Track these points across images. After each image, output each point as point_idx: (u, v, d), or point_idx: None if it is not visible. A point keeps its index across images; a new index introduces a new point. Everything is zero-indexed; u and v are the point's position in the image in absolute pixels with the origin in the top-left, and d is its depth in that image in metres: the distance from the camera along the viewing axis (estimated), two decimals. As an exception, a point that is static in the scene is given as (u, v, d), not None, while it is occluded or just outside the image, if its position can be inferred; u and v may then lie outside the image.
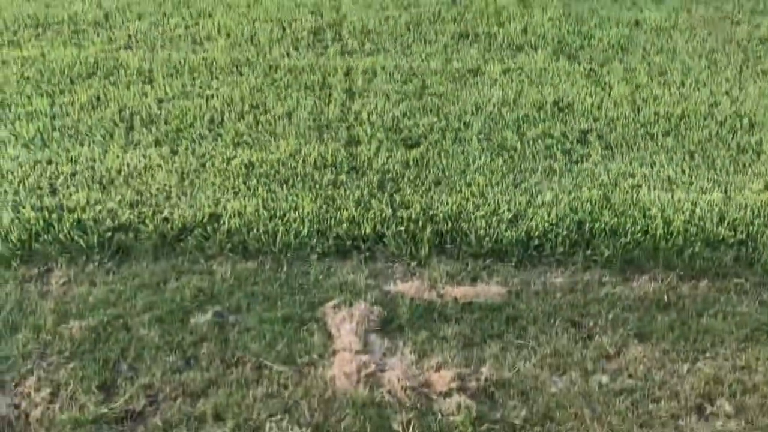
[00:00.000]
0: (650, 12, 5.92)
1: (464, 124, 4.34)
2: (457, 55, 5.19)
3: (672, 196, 3.70)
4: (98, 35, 5.28)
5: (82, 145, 4.00)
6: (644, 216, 3.51)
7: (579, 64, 5.10)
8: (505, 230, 3.36)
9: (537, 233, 3.35)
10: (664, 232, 3.40)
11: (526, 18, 5.78)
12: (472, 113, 4.45)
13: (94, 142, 4.03)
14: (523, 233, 3.35)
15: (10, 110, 4.31)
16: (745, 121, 4.41)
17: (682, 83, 4.87)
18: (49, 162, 3.84)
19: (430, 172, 3.86)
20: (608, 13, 5.90)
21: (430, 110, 4.48)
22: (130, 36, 5.28)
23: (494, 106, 4.53)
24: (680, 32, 5.61)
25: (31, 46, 5.08)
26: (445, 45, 5.34)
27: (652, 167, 3.98)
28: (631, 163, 4.02)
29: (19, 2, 5.75)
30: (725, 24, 5.77)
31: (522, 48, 5.33)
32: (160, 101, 4.45)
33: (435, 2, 6.07)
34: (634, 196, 3.72)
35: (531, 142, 4.17)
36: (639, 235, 3.39)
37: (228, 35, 5.35)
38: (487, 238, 3.31)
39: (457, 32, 5.54)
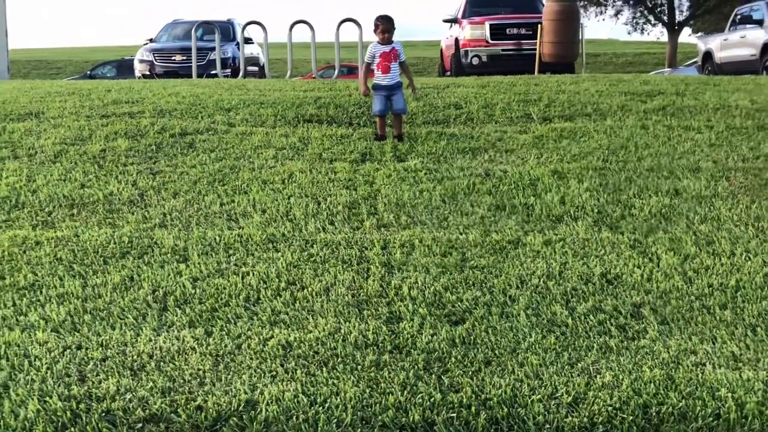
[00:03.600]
0: (688, 181, 5.89)
1: (510, 298, 4.20)
2: (496, 227, 5.14)
3: (740, 375, 3.47)
4: (133, 214, 5.31)
5: (113, 328, 3.89)
6: (713, 398, 3.28)
7: (622, 235, 5.01)
8: (566, 416, 3.13)
9: (601, 419, 3.12)
10: (737, 416, 3.16)
11: (563, 189, 5.76)
12: (517, 287, 4.32)
13: (126, 324, 3.92)
14: (585, 419, 3.12)
15: (41, 293, 4.24)
16: (806, 291, 4.24)
17: (732, 253, 4.74)
18: (79, 347, 3.72)
19: (478, 350, 3.68)
20: (645, 183, 5.88)
21: (473, 284, 4.36)
22: (165, 214, 5.30)
23: (539, 279, 4.41)
24: (722, 200, 5.54)
25: (65, 227, 5.10)
26: (482, 217, 5.30)
27: (713, 343, 3.78)
28: (690, 339, 3.82)
29: (55, 182, 5.84)
30: (767, 190, 5.72)
31: (561, 219, 5.27)
32: (195, 280, 4.38)
33: (468, 174, 6.10)
34: (700, 375, 3.49)
35: (582, 318, 4.01)
36: (711, 419, 3.14)
37: (263, 211, 5.36)
38: (548, 426, 3.08)
39: (494, 204, 5.51)
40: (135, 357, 3.61)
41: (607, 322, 3.96)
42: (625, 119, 7.57)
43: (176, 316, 4.00)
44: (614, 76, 11.00)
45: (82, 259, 4.64)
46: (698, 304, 4.16)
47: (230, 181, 5.95)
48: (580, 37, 15.09)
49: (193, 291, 4.24)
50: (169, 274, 4.43)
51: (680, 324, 3.97)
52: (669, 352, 3.69)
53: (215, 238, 4.89)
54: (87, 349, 3.70)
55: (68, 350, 3.69)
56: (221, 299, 4.16)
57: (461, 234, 5.01)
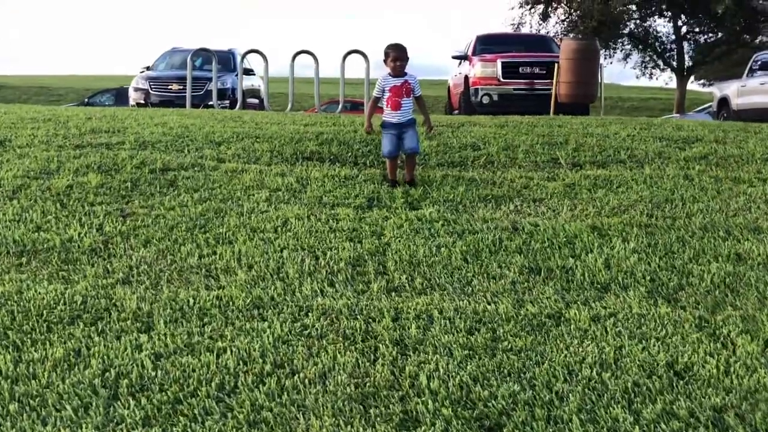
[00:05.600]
0: (750, 243, 5.02)
1: (557, 395, 3.29)
2: (530, 296, 4.25)
3: None
4: (93, 266, 4.41)
5: (45, 424, 2.98)
6: None
7: (684, 310, 4.11)
8: None
9: None
10: None
11: (606, 250, 4.88)
12: (565, 379, 3.41)
13: (61, 419, 3.00)
14: None
15: (-42, 371, 3.32)
16: None
17: (824, 338, 3.84)
18: (-6, 451, 2.80)
19: (522, 474, 2.76)
20: (701, 245, 5.00)
21: (509, 373, 3.45)
22: (131, 267, 4.41)
23: (591, 369, 3.50)
24: (796, 269, 4.65)
25: (9, 280, 4.20)
26: (512, 282, 4.41)
27: (828, 469, 2.86)
28: (797, 462, 2.90)
29: (7, 224, 4.96)
30: None
31: (608, 287, 4.38)
32: (158, 358, 3.47)
33: (493, 228, 5.23)
34: None
35: (652, 427, 3.09)
36: None
37: (250, 267, 4.47)
38: None
39: (526, 266, 4.63)
40: (65, 471, 2.70)
41: (685, 433, 3.05)
42: (664, 168, 6.74)
43: (128, 408, 3.08)
44: (642, 120, 10.20)
45: (22, 324, 3.73)
46: (795, 409, 3.25)
47: (213, 227, 5.09)
48: (599, 79, 14.34)
49: (153, 373, 3.33)
50: (125, 349, 3.52)
51: (779, 439, 3.05)
52: (774, 484, 2.78)
53: (188, 301, 3.99)
54: (5, 454, 2.78)
55: (-21, 456, 2.78)
56: (188, 386, 3.25)
57: (489, 303, 4.11)
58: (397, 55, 6.25)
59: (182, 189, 5.88)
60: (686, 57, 34.94)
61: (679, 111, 31.87)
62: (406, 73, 6.33)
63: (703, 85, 45.13)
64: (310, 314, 3.92)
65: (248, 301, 4.03)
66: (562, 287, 4.37)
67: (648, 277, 4.51)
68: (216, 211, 5.44)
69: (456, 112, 16.67)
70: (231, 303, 4.00)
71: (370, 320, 3.89)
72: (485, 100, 14.83)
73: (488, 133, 7.99)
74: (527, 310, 4.04)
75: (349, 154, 7.23)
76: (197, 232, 5.03)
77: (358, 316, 3.92)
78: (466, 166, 6.88)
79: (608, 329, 3.88)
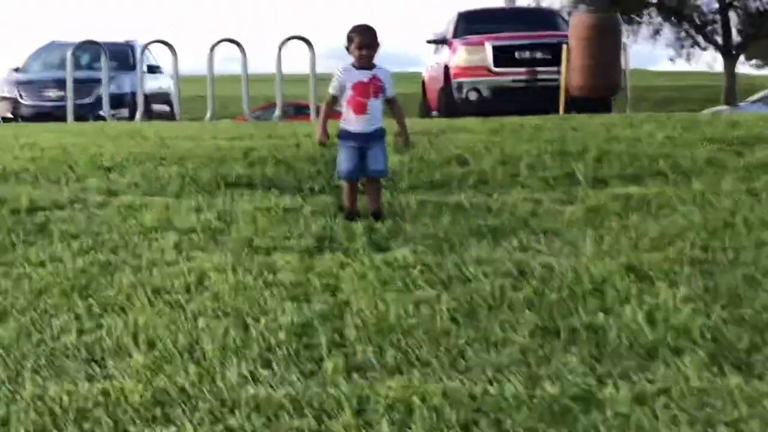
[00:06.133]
0: None
1: None
2: (548, 369, 4.14)
3: None
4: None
5: None
6: None
7: (762, 381, 4.02)
8: None
9: None
10: None
11: (648, 298, 4.86)
12: (603, 490, 3.25)
13: None
14: None
15: None
16: None
17: None
18: None
19: None
20: (779, 284, 4.95)
21: (522, 485, 3.28)
22: (-21, 353, 4.25)
23: (639, 472, 3.34)
24: None
25: None
26: (522, 350, 4.34)
27: None
28: None
29: None
30: None
31: (655, 352, 4.32)
32: (16, 488, 3.25)
33: (492, 273, 5.20)
34: None
35: None
36: None
37: (151, 345, 4.38)
38: None
39: (538, 325, 4.59)
40: None
41: None
42: (719, 180, 6.90)
43: None
44: (684, 116, 10.49)
45: None
46: None
47: (99, 289, 5.05)
48: (624, 63, 14.58)
49: None
50: (-31, 477, 3.30)
51: None
52: None
53: (61, 400, 3.84)
54: None
55: None
56: None
57: (491, 383, 4.01)
58: (364, 41, 6.27)
59: (56, 236, 5.87)
60: (734, 31, 35.69)
61: (729, 102, 32.51)
62: (375, 65, 6.34)
63: (758, 66, 46.12)
64: (237, 412, 3.76)
65: (148, 395, 3.87)
66: (590, 354, 4.28)
67: (709, 336, 4.45)
68: (103, 265, 5.42)
69: (435, 113, 16.85)
70: (123, 400, 3.84)
71: (324, 416, 3.74)
72: (472, 96, 15.12)
73: (478, 141, 8.19)
74: (544, 390, 3.92)
75: (291, 177, 7.37)
76: (76, 297, 4.96)
77: (306, 412, 3.77)
78: (450, 187, 7.05)
79: (659, 413, 3.74)
